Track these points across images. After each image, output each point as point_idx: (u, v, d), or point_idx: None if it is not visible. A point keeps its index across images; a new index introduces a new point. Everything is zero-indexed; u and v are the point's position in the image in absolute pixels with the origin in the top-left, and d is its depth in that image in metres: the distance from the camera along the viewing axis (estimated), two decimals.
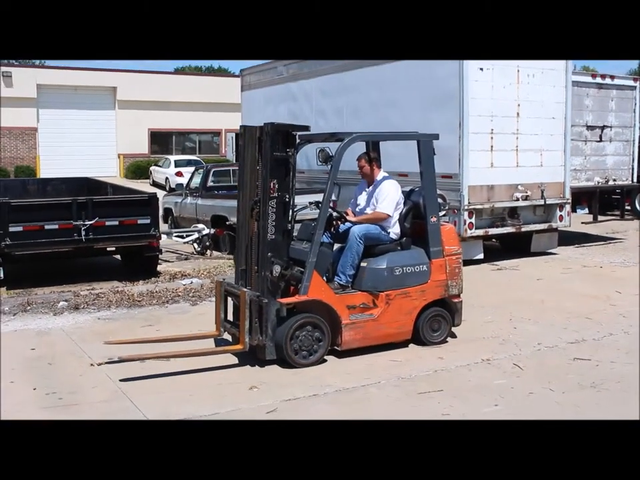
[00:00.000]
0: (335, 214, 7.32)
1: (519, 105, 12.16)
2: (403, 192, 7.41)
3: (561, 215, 12.91)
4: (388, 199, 7.20)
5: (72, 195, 11.09)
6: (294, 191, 6.88)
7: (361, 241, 6.97)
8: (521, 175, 12.27)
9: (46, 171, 33.66)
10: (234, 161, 24.33)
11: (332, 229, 7.27)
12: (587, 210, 15.91)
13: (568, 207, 13.02)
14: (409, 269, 7.10)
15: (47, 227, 10.08)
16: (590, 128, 15.07)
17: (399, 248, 7.26)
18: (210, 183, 14.04)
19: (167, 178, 28.14)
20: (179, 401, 5.83)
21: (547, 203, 12.61)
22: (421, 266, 7.16)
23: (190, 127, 38.91)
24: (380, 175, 7.51)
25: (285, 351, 6.50)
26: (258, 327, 6.49)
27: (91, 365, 6.61)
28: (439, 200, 7.98)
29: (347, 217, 7.34)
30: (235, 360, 6.76)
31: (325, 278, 6.89)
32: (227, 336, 7.22)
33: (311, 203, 7.38)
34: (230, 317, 7.17)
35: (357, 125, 13.56)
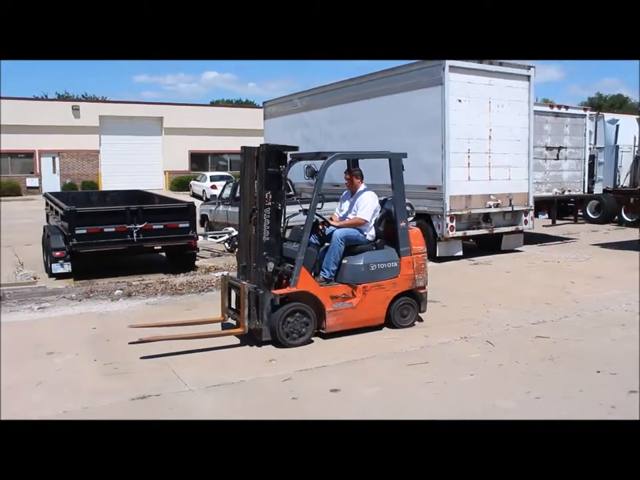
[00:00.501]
0: (320, 219, 7.28)
1: (490, 130, 12.09)
2: (379, 201, 7.38)
3: (525, 220, 12.86)
4: (367, 207, 7.20)
5: (126, 204, 11.07)
6: (285, 200, 6.87)
7: (342, 242, 6.97)
8: (493, 186, 12.22)
9: (106, 185, 33.77)
10: None
11: (319, 232, 7.21)
12: (547, 215, 15.87)
13: (531, 213, 12.98)
14: (382, 265, 7.10)
15: (105, 229, 10.08)
16: (549, 148, 15.02)
17: (374, 248, 7.21)
18: (238, 194, 13.98)
19: (203, 190, 28.11)
20: (210, 371, 5.82)
21: (514, 209, 12.58)
22: (392, 262, 7.15)
23: (222, 149, 38.81)
24: (361, 186, 7.47)
25: (277, 333, 6.48)
26: (255, 314, 6.50)
27: (136, 342, 6.51)
28: (408, 208, 7.88)
29: (331, 222, 7.38)
30: (253, 340, 6.73)
31: (312, 273, 6.86)
32: (231, 321, 7.14)
33: (300, 211, 7.30)
34: (233, 306, 7.10)
35: (359, 147, 13.58)
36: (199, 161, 39.67)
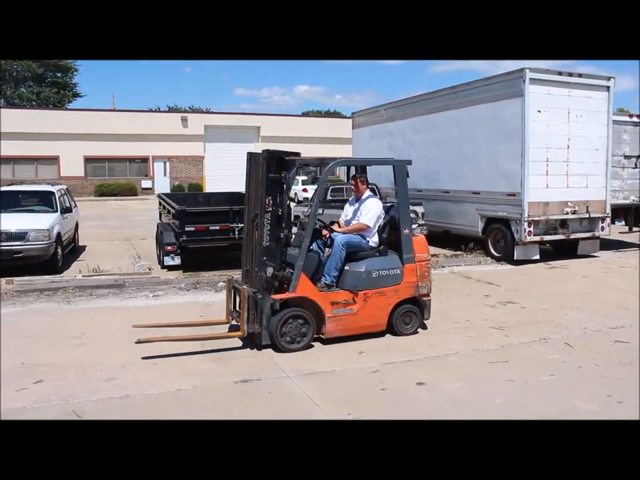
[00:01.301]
0: (321, 225, 6.77)
1: (569, 139, 11.54)
2: (383, 208, 6.92)
3: (602, 226, 12.20)
4: (370, 213, 6.71)
5: (228, 204, 11.25)
6: (287, 205, 6.37)
7: (344, 248, 6.49)
8: (570, 194, 11.65)
9: (209, 187, 34.70)
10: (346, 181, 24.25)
11: (323, 238, 6.74)
12: (623, 222, 14.98)
13: (608, 220, 12.28)
14: (384, 272, 6.59)
15: (211, 227, 10.26)
16: (627, 157, 14.13)
17: (377, 254, 6.70)
18: (328, 197, 14.03)
19: (295, 193, 28.39)
20: (310, 361, 5.84)
21: (591, 216, 11.95)
22: (395, 270, 6.63)
23: (313, 155, 39.12)
24: (366, 192, 7.00)
25: (275, 338, 6.07)
26: (254, 318, 6.12)
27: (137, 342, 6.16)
28: (412, 215, 7.66)
29: (333, 227, 6.90)
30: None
31: (314, 279, 6.44)
32: (235, 323, 6.63)
33: (303, 216, 6.87)
34: (238, 308, 6.53)
35: (441, 155, 13.37)
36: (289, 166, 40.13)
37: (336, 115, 58.34)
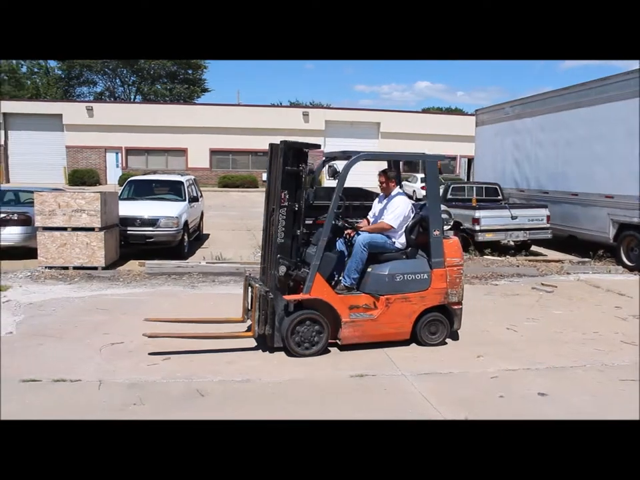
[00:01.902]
0: (344, 223, 6.30)
1: None
2: (416, 206, 6.49)
3: None
4: (395, 212, 6.21)
5: (348, 199, 11.30)
6: (304, 201, 5.96)
7: (365, 248, 6.03)
8: None
9: (327, 181, 35.16)
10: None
11: (346, 237, 6.31)
12: None
13: None
14: (409, 276, 6.07)
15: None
16: None
17: (404, 257, 6.23)
18: (449, 196, 13.74)
19: (414, 190, 28.06)
20: (423, 361, 5.76)
21: None
22: (421, 274, 6.11)
23: (434, 152, 38.60)
24: (395, 190, 6.47)
25: (287, 342, 5.74)
26: (265, 318, 5.74)
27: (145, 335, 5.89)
28: (444, 215, 6.87)
29: (357, 226, 6.39)
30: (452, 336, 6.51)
31: (333, 280, 6.11)
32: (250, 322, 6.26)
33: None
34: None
35: (570, 155, 12.65)
36: (411, 163, 39.82)
37: (457, 112, 57.06)
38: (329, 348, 5.96)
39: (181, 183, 12.49)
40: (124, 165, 36.46)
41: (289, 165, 5.81)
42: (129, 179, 13.30)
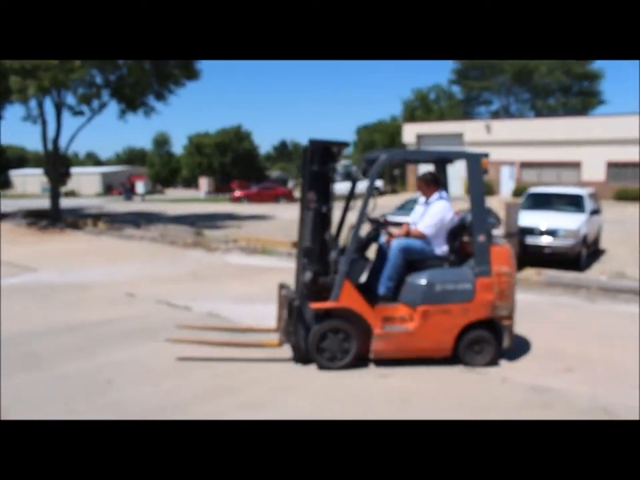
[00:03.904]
0: (379, 227, 5.65)
1: None
2: (463, 210, 5.69)
3: None
4: (432, 218, 5.49)
5: None
6: (333, 202, 5.36)
7: (400, 254, 5.35)
8: None
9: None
10: None
11: (384, 243, 5.63)
12: None
13: None
14: (450, 286, 5.21)
15: None
16: None
17: (446, 264, 5.40)
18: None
19: None
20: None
21: None
22: (464, 284, 5.21)
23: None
24: (434, 195, 5.67)
25: (312, 352, 5.14)
26: (288, 327, 5.17)
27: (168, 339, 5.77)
28: (492, 219, 5.43)
29: (391, 231, 5.72)
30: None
31: (368, 288, 5.39)
32: None
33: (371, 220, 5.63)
34: None
35: None
36: None
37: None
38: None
39: (581, 196, 11.81)
40: (517, 178, 36.37)
41: (317, 164, 5.26)
42: (528, 191, 13.18)
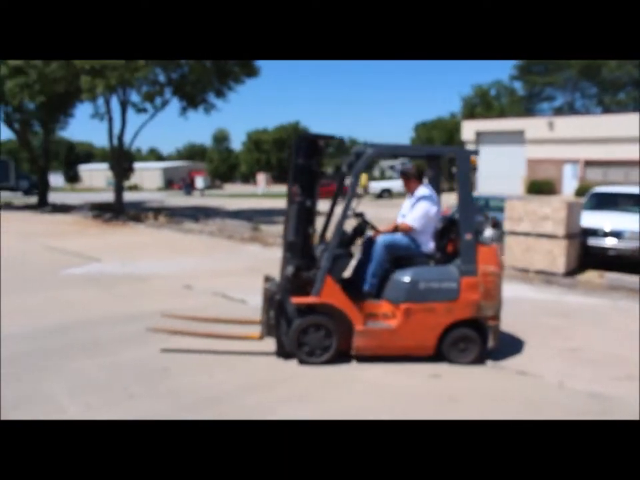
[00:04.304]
0: (362, 223, 5.58)
1: None
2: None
3: None
4: (416, 212, 5.46)
5: None
6: (318, 197, 5.36)
7: (384, 251, 5.33)
8: None
9: None
10: None
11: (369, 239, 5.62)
12: None
13: None
14: (435, 284, 5.15)
15: None
16: None
17: (432, 262, 5.37)
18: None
19: None
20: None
21: None
22: (449, 282, 5.15)
23: None
24: (419, 189, 5.59)
25: (293, 347, 5.12)
26: (274, 321, 5.19)
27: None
28: (480, 218, 5.62)
29: (379, 229, 5.73)
30: None
31: (352, 284, 5.40)
32: None
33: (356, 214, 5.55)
34: None
35: None
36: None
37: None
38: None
39: None
40: (581, 177, 35.08)
41: (301, 158, 5.22)
42: (592, 191, 12.69)
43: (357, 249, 5.77)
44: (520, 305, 7.61)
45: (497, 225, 10.89)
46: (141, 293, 8.14)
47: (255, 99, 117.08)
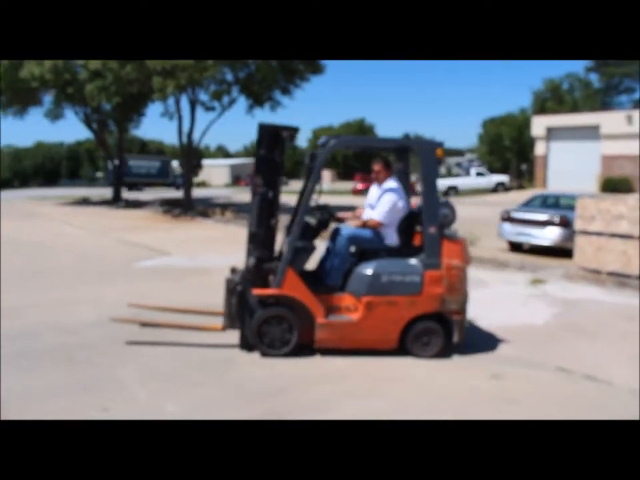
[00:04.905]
0: (326, 214, 5.49)
1: None
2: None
3: None
4: (383, 206, 5.34)
5: None
6: (281, 188, 5.36)
7: (348, 243, 5.31)
8: None
9: None
10: None
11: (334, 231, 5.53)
12: None
13: None
14: (397, 277, 5.07)
15: None
16: None
17: (396, 255, 5.23)
18: None
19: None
20: None
21: None
22: (412, 276, 5.06)
23: None
24: (387, 181, 5.50)
25: (254, 339, 5.10)
26: (236, 312, 5.19)
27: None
28: (446, 211, 5.16)
29: (342, 217, 5.76)
30: None
31: (315, 277, 5.40)
32: None
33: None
34: None
35: None
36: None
37: None
38: None
39: None
40: None
41: (264, 149, 5.18)
42: None
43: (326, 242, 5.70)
44: (590, 308, 7.36)
45: (567, 223, 10.53)
46: (206, 286, 8.37)
47: (321, 96, 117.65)
